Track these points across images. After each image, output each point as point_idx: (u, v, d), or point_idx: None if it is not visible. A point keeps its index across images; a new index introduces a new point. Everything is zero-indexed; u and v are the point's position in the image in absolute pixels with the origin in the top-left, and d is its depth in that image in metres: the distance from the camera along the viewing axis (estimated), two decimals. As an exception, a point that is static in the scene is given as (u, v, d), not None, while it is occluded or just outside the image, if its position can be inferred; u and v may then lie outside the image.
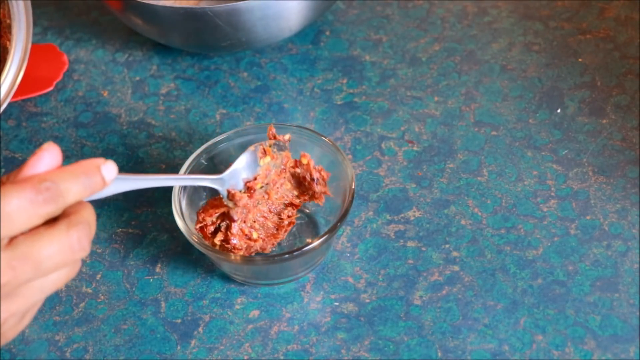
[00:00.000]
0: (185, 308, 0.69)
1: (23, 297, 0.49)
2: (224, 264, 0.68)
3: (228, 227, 0.67)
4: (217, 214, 0.67)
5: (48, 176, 0.49)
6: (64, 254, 0.49)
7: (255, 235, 0.67)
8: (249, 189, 0.66)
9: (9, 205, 0.47)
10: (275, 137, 0.69)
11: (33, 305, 0.51)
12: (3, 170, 0.81)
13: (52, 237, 0.48)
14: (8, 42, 0.72)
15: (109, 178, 0.52)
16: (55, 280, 0.50)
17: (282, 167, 0.68)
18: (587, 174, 0.75)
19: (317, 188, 0.68)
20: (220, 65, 0.87)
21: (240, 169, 0.66)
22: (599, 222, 0.71)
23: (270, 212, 0.69)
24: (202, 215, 0.67)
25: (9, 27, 0.74)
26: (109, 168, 0.52)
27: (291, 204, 0.69)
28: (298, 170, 0.69)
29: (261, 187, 0.67)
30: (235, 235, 0.67)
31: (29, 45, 0.72)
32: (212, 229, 0.67)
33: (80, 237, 0.49)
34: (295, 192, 0.70)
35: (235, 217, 0.66)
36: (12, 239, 0.48)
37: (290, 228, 0.69)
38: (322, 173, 0.69)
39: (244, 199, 0.66)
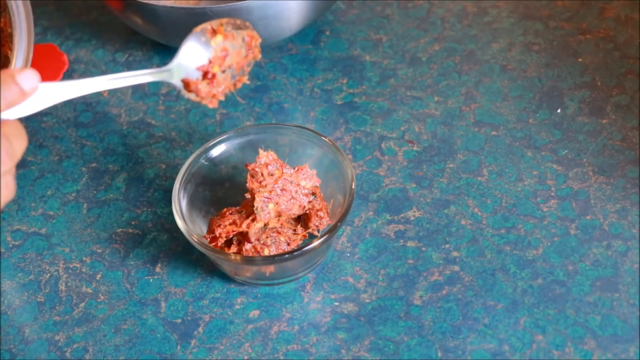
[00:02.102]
0: (185, 308, 0.69)
1: None
2: (224, 264, 0.68)
3: (241, 243, 0.67)
4: (233, 233, 0.67)
5: None
6: None
7: (266, 252, 0.67)
8: (205, 75, 0.60)
9: None
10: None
11: None
12: (3, 170, 0.80)
13: None
14: (9, 52, 0.72)
15: (27, 87, 0.49)
16: None
17: (247, 47, 0.62)
18: (587, 174, 0.75)
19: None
20: (220, 65, 0.87)
21: (188, 55, 0.60)
22: (599, 222, 0.71)
23: (283, 226, 0.69)
24: (218, 228, 0.68)
25: (10, 36, 0.74)
26: (26, 76, 0.49)
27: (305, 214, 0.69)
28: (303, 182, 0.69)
29: (223, 72, 0.61)
30: (248, 252, 0.67)
31: (31, 55, 0.72)
32: (222, 241, 0.68)
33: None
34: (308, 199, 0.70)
35: (252, 239, 0.67)
36: None
37: (301, 242, 0.69)
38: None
39: (203, 87, 0.60)
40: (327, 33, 0.89)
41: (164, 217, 0.75)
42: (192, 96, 0.61)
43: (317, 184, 0.69)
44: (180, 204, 0.69)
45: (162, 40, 0.86)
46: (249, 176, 0.68)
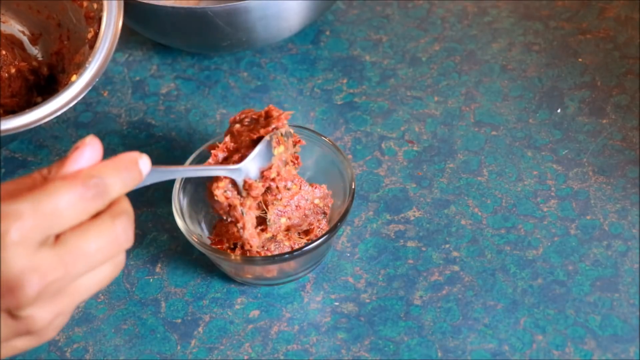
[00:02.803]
0: (185, 308, 0.69)
1: (71, 295, 0.49)
2: (224, 264, 0.68)
3: (244, 246, 0.67)
4: (233, 242, 0.68)
5: (94, 172, 0.49)
6: (111, 245, 0.49)
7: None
8: (264, 178, 0.66)
9: (60, 202, 0.47)
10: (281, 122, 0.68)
11: (77, 304, 0.51)
12: (3, 170, 0.81)
13: (99, 230, 0.48)
14: (75, 76, 0.73)
15: (145, 172, 0.53)
16: (102, 277, 0.50)
17: (290, 157, 0.68)
18: (587, 174, 0.75)
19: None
20: (220, 65, 0.87)
21: (256, 159, 0.66)
22: (599, 222, 0.71)
23: (291, 239, 0.68)
24: (217, 238, 0.68)
25: (77, 64, 0.77)
26: (145, 162, 0.53)
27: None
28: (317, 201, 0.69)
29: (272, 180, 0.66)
30: (253, 254, 0.67)
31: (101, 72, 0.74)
32: (225, 246, 0.68)
33: (124, 228, 0.50)
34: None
35: (259, 247, 0.67)
36: (58, 236, 0.47)
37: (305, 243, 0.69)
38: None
39: (257, 189, 0.65)
40: (327, 33, 0.89)
41: (164, 217, 0.75)
42: (244, 193, 0.66)
43: (330, 204, 0.69)
44: (180, 204, 0.69)
45: (162, 40, 0.86)
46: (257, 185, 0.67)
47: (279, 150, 0.66)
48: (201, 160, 0.71)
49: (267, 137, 0.66)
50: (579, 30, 0.86)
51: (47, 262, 0.47)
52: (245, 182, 0.65)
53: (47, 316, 0.48)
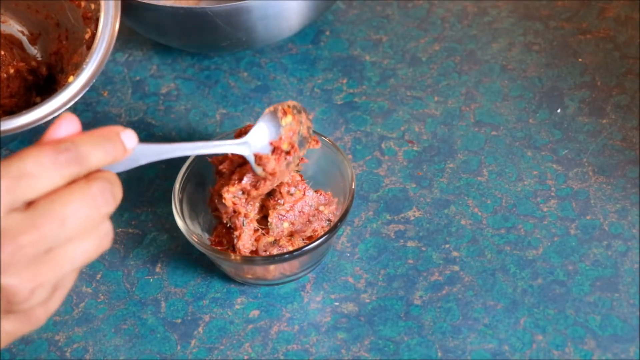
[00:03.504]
0: (185, 308, 0.69)
1: (51, 265, 0.47)
2: (224, 264, 0.68)
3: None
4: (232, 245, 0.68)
5: (67, 138, 0.48)
6: (88, 207, 0.48)
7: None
8: (275, 150, 0.64)
9: (28, 164, 0.46)
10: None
11: (63, 279, 0.49)
12: (3, 170, 0.80)
13: (72, 191, 0.47)
14: (72, 77, 0.73)
15: (129, 145, 0.51)
16: (86, 248, 0.48)
17: (307, 132, 0.67)
18: (587, 174, 0.75)
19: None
20: (220, 65, 0.87)
21: (263, 131, 0.65)
22: (599, 222, 0.71)
23: (293, 245, 0.68)
24: (217, 239, 0.68)
25: (75, 65, 0.77)
26: (129, 135, 0.51)
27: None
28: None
29: (288, 153, 0.65)
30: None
31: (99, 70, 0.74)
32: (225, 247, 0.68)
33: (102, 190, 0.48)
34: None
35: (260, 252, 0.67)
36: (31, 203, 0.46)
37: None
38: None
39: (271, 163, 0.64)
40: (327, 33, 0.89)
41: (164, 217, 0.75)
42: (259, 170, 0.64)
43: (335, 212, 0.69)
44: (180, 204, 0.69)
45: (162, 40, 0.86)
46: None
47: (286, 120, 0.65)
48: (202, 160, 0.71)
49: (269, 109, 0.65)
50: (579, 30, 0.86)
51: (17, 225, 0.45)
52: (256, 156, 0.64)
53: (26, 285, 0.46)
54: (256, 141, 0.64)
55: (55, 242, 0.47)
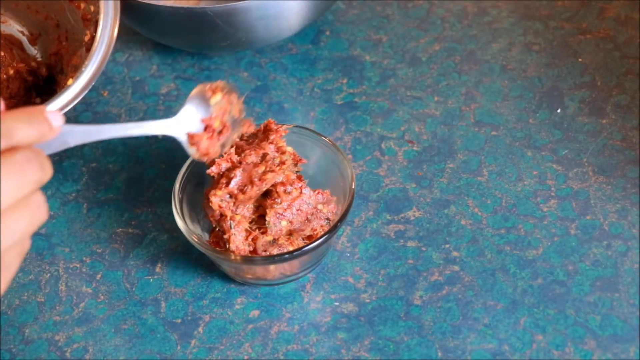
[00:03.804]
0: (185, 308, 0.69)
1: None
2: (224, 264, 0.68)
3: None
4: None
5: None
6: (13, 174, 0.47)
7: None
8: (207, 128, 0.64)
9: None
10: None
11: (4, 257, 0.48)
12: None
13: None
14: (71, 80, 0.73)
15: (56, 123, 0.51)
16: (19, 220, 0.48)
17: (238, 114, 0.66)
18: (587, 174, 0.75)
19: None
20: (220, 65, 0.87)
21: (192, 112, 0.64)
22: (599, 222, 0.71)
23: (293, 244, 0.68)
24: (215, 240, 0.68)
25: (75, 67, 0.77)
26: (54, 114, 0.51)
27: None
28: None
29: (219, 132, 0.65)
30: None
31: (98, 73, 0.74)
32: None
33: (27, 157, 0.48)
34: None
35: (259, 251, 0.67)
36: None
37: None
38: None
39: (203, 142, 0.64)
40: (327, 33, 0.89)
41: (164, 217, 0.75)
42: (193, 151, 0.64)
43: (334, 211, 0.69)
44: (180, 204, 0.69)
45: (162, 40, 0.86)
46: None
47: (215, 98, 0.64)
48: (200, 164, 0.71)
49: (197, 89, 0.65)
50: (579, 30, 0.86)
51: None
52: (188, 135, 0.64)
53: None
54: (186, 122, 0.64)
55: None
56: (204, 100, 0.64)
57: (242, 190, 0.66)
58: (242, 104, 0.67)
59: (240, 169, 0.66)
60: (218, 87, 0.65)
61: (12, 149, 0.48)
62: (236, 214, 0.66)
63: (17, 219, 0.48)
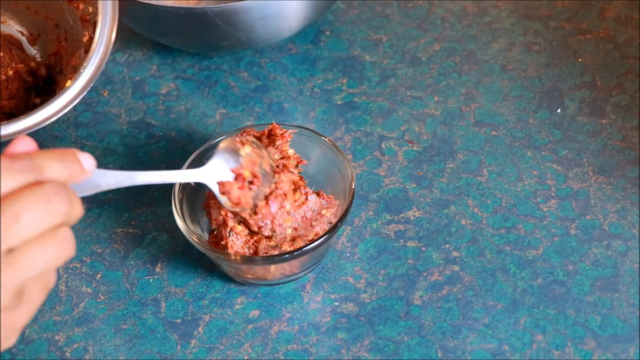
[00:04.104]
0: (185, 308, 0.69)
1: (10, 266, 0.47)
2: (224, 264, 0.68)
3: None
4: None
5: (23, 152, 0.49)
6: (41, 203, 0.47)
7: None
8: (237, 177, 0.64)
9: None
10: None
11: (28, 288, 0.48)
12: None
13: (25, 190, 0.47)
14: (70, 81, 0.73)
15: (87, 166, 0.52)
16: (45, 252, 0.48)
17: (269, 166, 0.67)
18: (587, 174, 0.75)
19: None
20: (220, 65, 0.87)
21: (221, 160, 0.64)
22: (599, 222, 0.71)
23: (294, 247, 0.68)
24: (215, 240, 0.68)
25: (74, 68, 0.77)
26: (86, 156, 0.52)
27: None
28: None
29: (251, 185, 0.65)
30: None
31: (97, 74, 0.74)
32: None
33: (55, 190, 0.48)
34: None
35: (260, 253, 0.67)
36: None
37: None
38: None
39: (234, 191, 0.64)
40: (327, 33, 0.89)
41: (164, 217, 0.75)
42: (224, 200, 0.64)
43: (336, 214, 0.69)
44: (180, 204, 0.68)
45: (162, 40, 0.86)
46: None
47: (245, 150, 0.65)
48: (202, 161, 0.71)
49: (225, 142, 0.65)
50: (579, 30, 0.86)
51: None
52: (219, 184, 0.64)
53: None
54: (217, 171, 0.64)
55: (12, 240, 0.47)
56: (234, 151, 0.65)
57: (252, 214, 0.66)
58: (274, 159, 0.67)
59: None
60: (248, 140, 0.65)
61: (41, 182, 0.48)
62: (237, 225, 0.66)
63: (42, 250, 0.48)
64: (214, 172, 0.64)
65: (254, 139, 0.67)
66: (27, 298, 0.49)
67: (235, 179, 0.64)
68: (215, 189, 0.64)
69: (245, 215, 0.65)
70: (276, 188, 0.66)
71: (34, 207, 0.47)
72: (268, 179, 0.66)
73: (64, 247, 0.49)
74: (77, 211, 0.50)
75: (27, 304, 0.49)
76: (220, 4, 0.76)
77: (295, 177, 0.68)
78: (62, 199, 0.48)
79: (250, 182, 0.65)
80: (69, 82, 0.73)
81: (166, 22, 0.80)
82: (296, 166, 0.69)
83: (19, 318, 0.49)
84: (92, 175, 0.53)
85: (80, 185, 0.53)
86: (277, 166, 0.67)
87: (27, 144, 0.51)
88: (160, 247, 0.73)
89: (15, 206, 0.47)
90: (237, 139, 0.65)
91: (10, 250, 0.47)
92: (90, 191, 0.54)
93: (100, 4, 0.76)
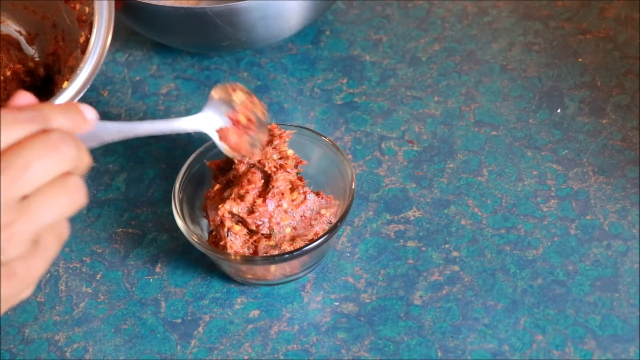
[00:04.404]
0: (185, 308, 0.69)
1: (24, 214, 0.47)
2: (224, 264, 0.68)
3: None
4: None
5: (27, 104, 0.50)
6: (50, 151, 0.48)
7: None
8: (234, 123, 0.65)
9: None
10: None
11: (43, 235, 0.49)
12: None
13: (33, 140, 0.48)
14: (67, 82, 0.73)
15: (90, 116, 0.53)
16: (57, 200, 0.48)
17: (261, 113, 0.67)
18: (587, 174, 0.75)
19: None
20: (220, 65, 0.87)
21: (216, 108, 0.65)
22: (599, 222, 0.71)
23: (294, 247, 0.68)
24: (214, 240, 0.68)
25: (71, 68, 0.77)
26: (87, 107, 0.53)
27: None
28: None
29: (247, 123, 0.66)
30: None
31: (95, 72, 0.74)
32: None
33: (62, 137, 0.49)
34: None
35: (260, 253, 0.67)
36: None
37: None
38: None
39: (232, 135, 0.65)
40: (327, 33, 0.89)
41: (164, 217, 0.75)
42: (224, 146, 0.65)
43: (336, 214, 0.69)
44: (180, 204, 0.69)
45: (162, 40, 0.86)
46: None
47: (237, 96, 0.65)
48: (202, 161, 0.71)
49: (216, 89, 0.65)
50: (579, 30, 0.86)
51: None
52: (218, 131, 0.65)
53: None
54: (213, 118, 0.65)
55: (24, 188, 0.47)
56: (226, 98, 0.65)
57: (250, 212, 0.66)
58: (265, 107, 0.68)
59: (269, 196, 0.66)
60: (238, 86, 0.66)
61: (47, 131, 0.49)
62: (235, 225, 0.66)
63: (55, 197, 0.48)
64: (211, 120, 0.65)
65: (243, 86, 0.67)
66: (42, 247, 0.49)
67: (232, 125, 0.65)
68: (214, 136, 0.65)
69: (244, 214, 0.66)
70: (273, 187, 0.66)
71: (43, 154, 0.48)
72: (263, 126, 0.67)
73: (75, 195, 0.49)
74: (85, 159, 0.50)
75: (43, 253, 0.49)
76: (220, 4, 0.76)
77: (293, 177, 0.68)
78: (69, 145, 0.49)
79: (246, 127, 0.65)
80: (65, 84, 0.73)
81: (166, 22, 0.80)
82: (295, 166, 0.69)
83: (36, 268, 0.49)
84: (95, 126, 0.54)
85: (84, 137, 0.53)
86: (275, 166, 0.67)
87: (28, 98, 0.51)
88: (160, 247, 0.73)
89: (26, 155, 0.47)
90: (229, 86, 0.66)
91: (24, 199, 0.47)
92: (93, 143, 0.54)
93: (96, 5, 0.75)
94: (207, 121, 0.65)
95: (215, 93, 0.66)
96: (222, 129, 0.65)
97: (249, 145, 0.66)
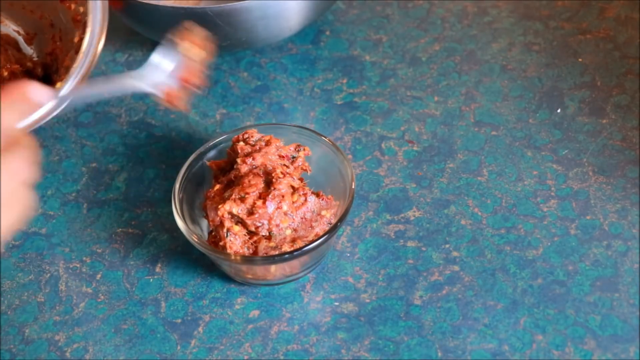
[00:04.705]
0: (185, 308, 0.69)
1: None
2: (224, 264, 0.68)
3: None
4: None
5: None
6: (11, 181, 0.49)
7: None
8: (185, 82, 0.64)
9: None
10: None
11: None
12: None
13: None
14: (60, 83, 0.73)
15: (36, 94, 0.54)
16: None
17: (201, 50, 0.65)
18: (587, 174, 0.75)
19: None
20: (220, 65, 0.87)
21: (161, 61, 0.64)
22: (599, 222, 0.71)
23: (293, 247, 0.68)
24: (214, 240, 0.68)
25: (67, 67, 0.77)
26: (34, 86, 0.54)
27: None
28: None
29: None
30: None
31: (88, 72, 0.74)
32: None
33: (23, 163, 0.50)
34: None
35: (260, 254, 0.67)
36: None
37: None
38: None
39: (181, 101, 0.64)
40: (327, 33, 0.89)
41: (164, 217, 0.75)
42: (161, 96, 0.64)
43: (335, 214, 0.69)
44: (180, 204, 0.69)
45: (162, 40, 0.86)
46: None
47: (184, 46, 0.64)
48: (202, 161, 0.71)
49: (165, 39, 0.64)
50: (579, 30, 0.86)
51: None
52: (167, 94, 0.64)
53: None
54: (155, 72, 0.63)
55: None
56: (171, 48, 0.64)
57: (250, 213, 0.66)
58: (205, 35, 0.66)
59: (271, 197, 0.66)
60: (185, 30, 0.65)
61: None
62: (235, 225, 0.66)
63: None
64: (148, 76, 0.63)
65: (193, 35, 0.65)
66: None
67: (178, 79, 0.64)
68: (157, 91, 0.63)
69: (243, 215, 0.66)
70: (274, 189, 0.66)
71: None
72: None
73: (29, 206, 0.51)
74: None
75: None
76: (220, 4, 0.76)
77: (295, 183, 0.68)
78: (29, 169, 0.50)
79: (184, 79, 0.64)
80: (59, 84, 0.73)
81: (166, 22, 0.80)
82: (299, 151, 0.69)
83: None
84: (54, 101, 0.55)
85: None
86: (282, 172, 0.67)
87: None
88: (160, 247, 0.73)
89: None
90: (179, 33, 0.64)
91: None
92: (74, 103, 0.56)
93: (89, 4, 0.75)
94: (143, 78, 0.63)
95: (163, 47, 0.64)
96: (169, 91, 0.64)
97: (184, 101, 0.65)
